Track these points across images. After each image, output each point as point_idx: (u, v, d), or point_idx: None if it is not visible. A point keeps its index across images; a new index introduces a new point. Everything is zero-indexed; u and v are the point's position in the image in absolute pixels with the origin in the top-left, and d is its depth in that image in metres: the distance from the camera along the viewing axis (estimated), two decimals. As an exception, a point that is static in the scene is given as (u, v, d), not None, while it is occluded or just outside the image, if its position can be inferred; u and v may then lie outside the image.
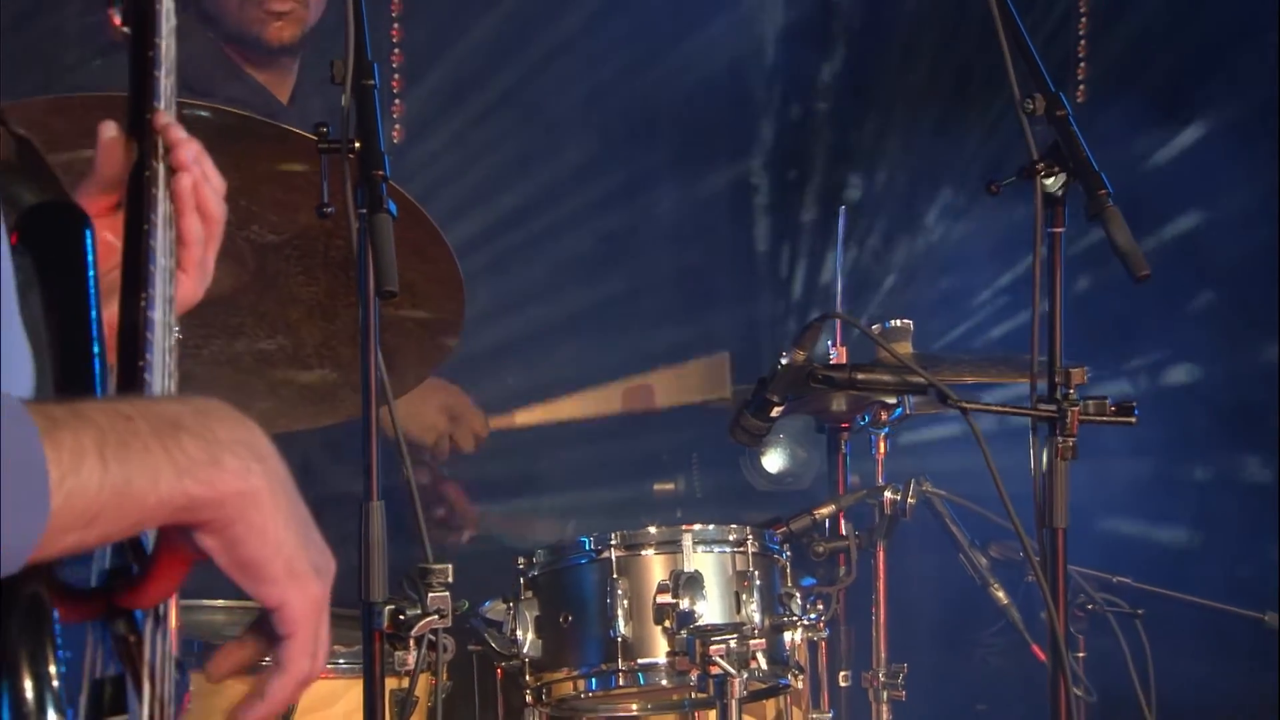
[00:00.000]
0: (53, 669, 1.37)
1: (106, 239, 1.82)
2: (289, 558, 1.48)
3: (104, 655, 1.49)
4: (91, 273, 1.58)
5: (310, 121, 2.71)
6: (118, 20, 1.79)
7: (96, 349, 1.56)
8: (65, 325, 1.55)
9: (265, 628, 1.53)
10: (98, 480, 1.35)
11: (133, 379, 1.62)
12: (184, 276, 1.95)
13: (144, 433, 1.39)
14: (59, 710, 1.37)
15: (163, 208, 1.74)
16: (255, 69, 4.11)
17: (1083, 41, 5.71)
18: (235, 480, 1.42)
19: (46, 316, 1.54)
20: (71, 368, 1.53)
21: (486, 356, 4.70)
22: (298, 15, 4.05)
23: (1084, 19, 5.70)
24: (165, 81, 1.79)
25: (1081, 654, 3.54)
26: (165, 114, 1.77)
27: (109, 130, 1.85)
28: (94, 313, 1.56)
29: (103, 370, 1.55)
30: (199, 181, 1.89)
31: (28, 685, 1.36)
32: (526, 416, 4.41)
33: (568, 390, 4.45)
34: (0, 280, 1.46)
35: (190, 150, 1.86)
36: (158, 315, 1.67)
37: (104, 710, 1.46)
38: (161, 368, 1.66)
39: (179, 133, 1.83)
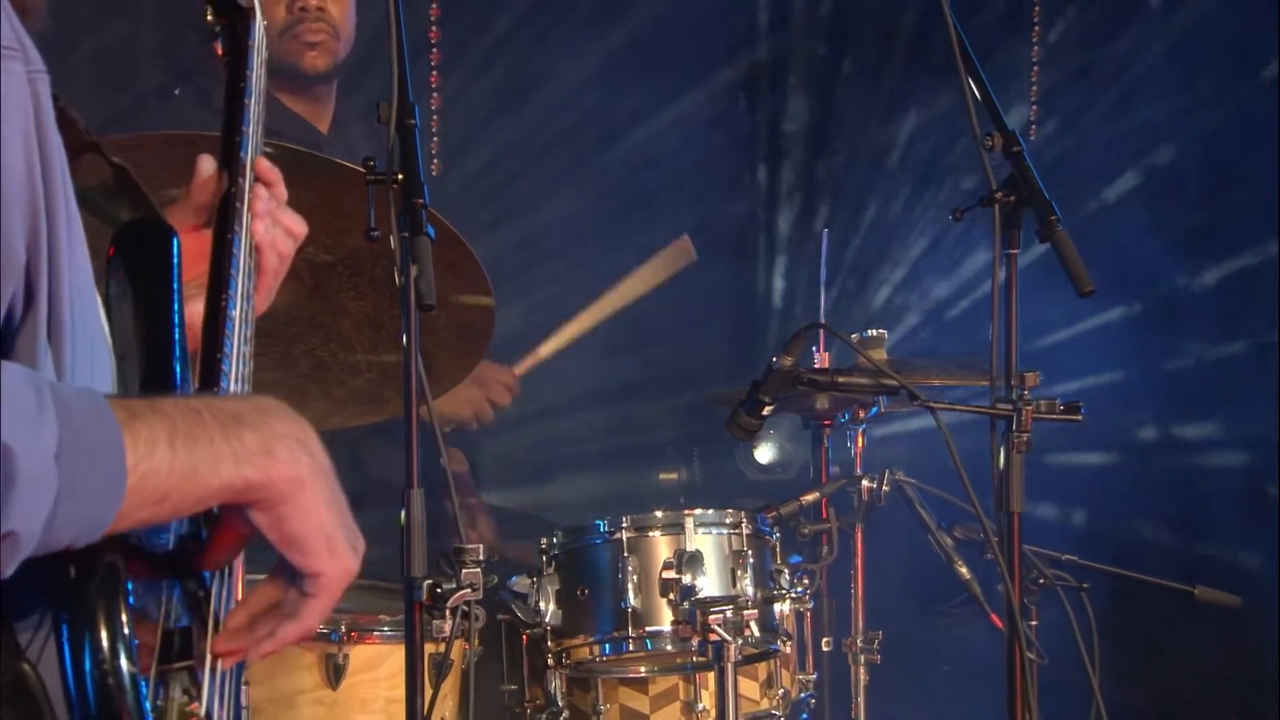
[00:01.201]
0: (125, 621, 1.38)
1: (191, 249, 1.83)
2: (329, 535, 1.49)
3: (175, 609, 1.51)
4: (176, 279, 1.58)
5: (350, 148, 2.71)
6: (220, 50, 1.80)
7: (178, 349, 1.56)
8: (151, 326, 1.56)
9: (283, 576, 1.54)
10: (168, 465, 1.36)
11: (212, 367, 1.65)
12: (255, 297, 1.96)
13: (210, 426, 1.40)
14: (129, 656, 1.38)
15: (246, 222, 1.76)
16: (293, 99, 4.08)
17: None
18: (285, 468, 1.44)
19: (135, 320, 1.55)
20: (156, 363, 1.55)
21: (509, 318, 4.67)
22: (330, 45, 4.03)
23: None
24: (255, 108, 1.80)
25: (1034, 622, 3.54)
26: (264, 161, 1.82)
27: (206, 165, 1.86)
28: (177, 316, 1.56)
29: (183, 364, 1.56)
30: (277, 212, 1.91)
31: (104, 635, 1.38)
32: (548, 348, 4.32)
33: (569, 315, 4.35)
34: (81, 288, 1.46)
35: (268, 201, 1.88)
36: (236, 313, 1.71)
37: (172, 657, 1.48)
38: (237, 357, 1.69)
39: (270, 177, 1.86)
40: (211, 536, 1.49)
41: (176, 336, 1.56)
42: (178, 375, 1.55)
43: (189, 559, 1.51)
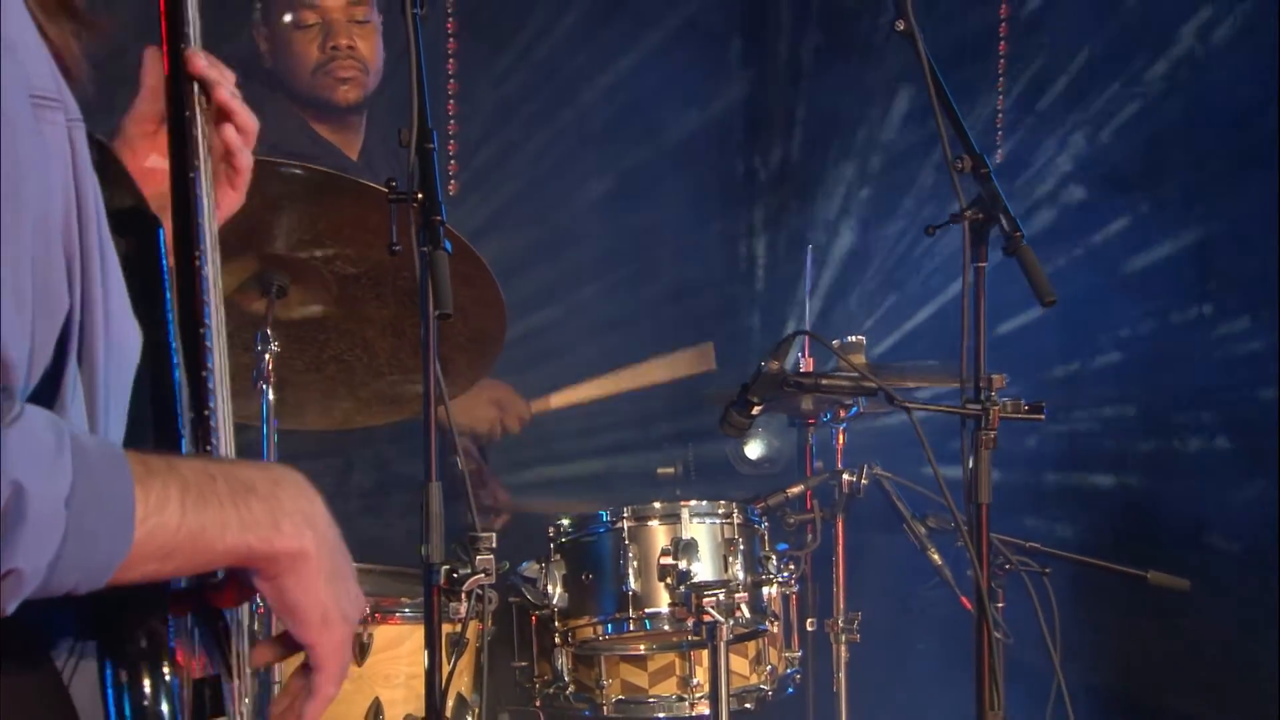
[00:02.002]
0: (167, 673, 1.36)
1: (155, 162, 1.79)
2: (325, 609, 1.47)
3: (201, 655, 1.48)
4: (164, 262, 1.55)
5: (377, 174, 2.71)
6: None
7: (171, 327, 1.53)
8: (144, 302, 1.52)
9: (290, 639, 1.52)
10: (176, 522, 1.34)
11: (191, 292, 1.58)
12: (230, 190, 1.87)
13: (221, 491, 1.38)
14: (171, 704, 1.36)
15: (203, 151, 1.66)
16: (325, 128, 4.07)
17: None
18: (289, 542, 1.42)
19: (132, 301, 1.51)
20: (150, 339, 1.50)
21: (529, 357, 4.68)
22: (360, 80, 4.01)
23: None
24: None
25: (1001, 604, 3.53)
26: (198, 53, 1.69)
27: (154, 59, 1.74)
28: (167, 294, 1.53)
29: (176, 333, 1.53)
30: (230, 100, 1.79)
31: (147, 683, 1.36)
32: (560, 399, 4.38)
33: (589, 377, 4.42)
34: (108, 267, 1.43)
35: (219, 74, 1.76)
36: (209, 270, 1.62)
37: (206, 712, 1.45)
38: (216, 311, 1.61)
39: (211, 65, 1.74)
40: (227, 579, 1.47)
41: (168, 308, 1.53)
42: (172, 344, 1.52)
43: (209, 595, 1.48)
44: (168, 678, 1.36)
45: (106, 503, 1.29)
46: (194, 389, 1.55)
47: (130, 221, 1.54)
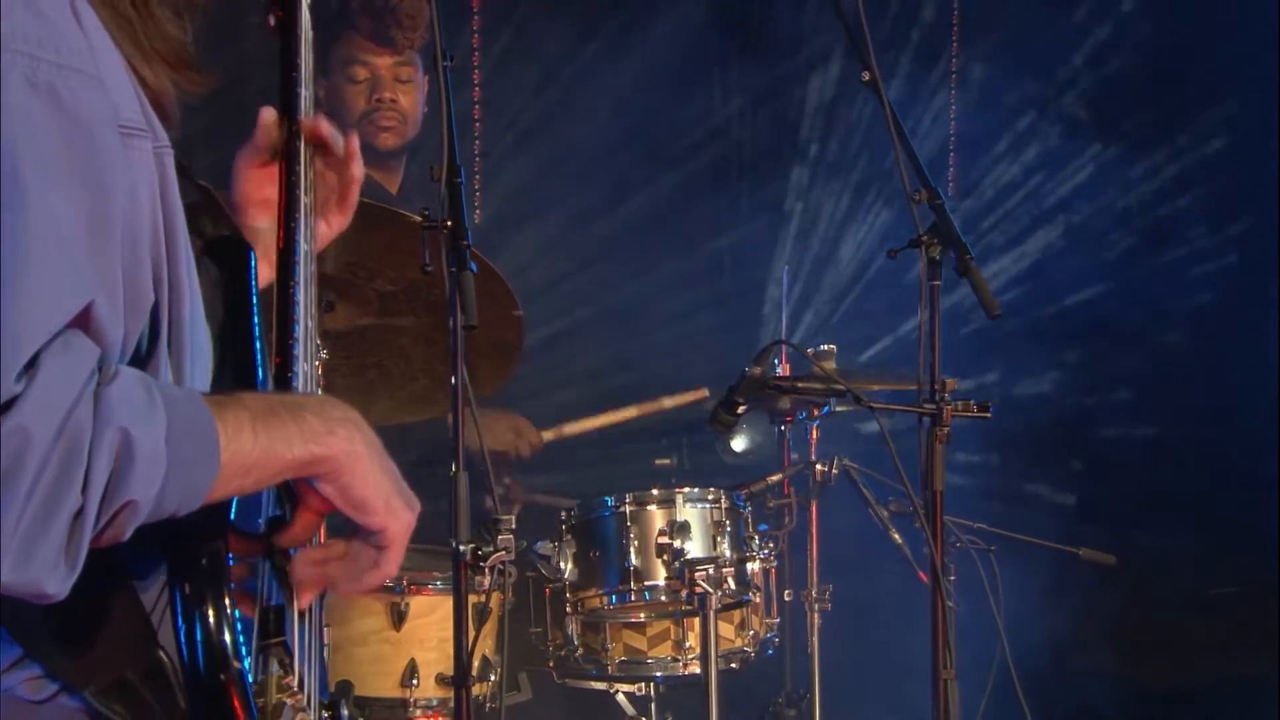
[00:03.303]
0: (228, 605, 1.37)
1: (256, 177, 1.88)
2: (386, 495, 1.47)
3: (268, 587, 1.49)
4: (254, 283, 1.58)
5: (415, 208, 2.71)
6: (272, 24, 1.73)
7: (259, 342, 1.55)
8: (235, 318, 1.56)
9: (359, 539, 1.52)
10: (251, 444, 1.36)
11: (286, 297, 1.62)
12: (338, 214, 1.98)
13: (282, 413, 1.40)
14: (233, 632, 1.37)
15: (304, 181, 1.72)
16: (369, 167, 4.07)
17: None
18: (344, 444, 1.43)
19: (224, 312, 1.56)
20: (241, 348, 1.54)
21: (544, 391, 4.68)
22: (399, 129, 4.02)
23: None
24: (305, 69, 1.76)
25: (952, 577, 3.53)
26: (321, 120, 1.79)
27: (268, 114, 1.81)
28: (255, 311, 1.57)
29: (262, 347, 1.55)
30: (351, 147, 1.91)
31: (210, 612, 1.36)
32: (571, 429, 4.39)
33: (596, 411, 4.44)
34: (189, 290, 1.47)
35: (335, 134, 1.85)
36: (301, 244, 1.67)
37: (269, 633, 1.47)
38: (304, 283, 1.65)
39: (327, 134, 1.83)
40: (294, 517, 1.48)
41: (255, 322, 1.56)
42: (259, 354, 1.55)
43: (276, 536, 1.49)
44: (229, 610, 1.37)
45: (196, 437, 1.32)
46: (280, 388, 1.58)
47: (227, 248, 1.58)
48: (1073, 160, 5.58)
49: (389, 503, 1.48)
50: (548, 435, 4.36)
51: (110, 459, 1.25)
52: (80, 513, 1.24)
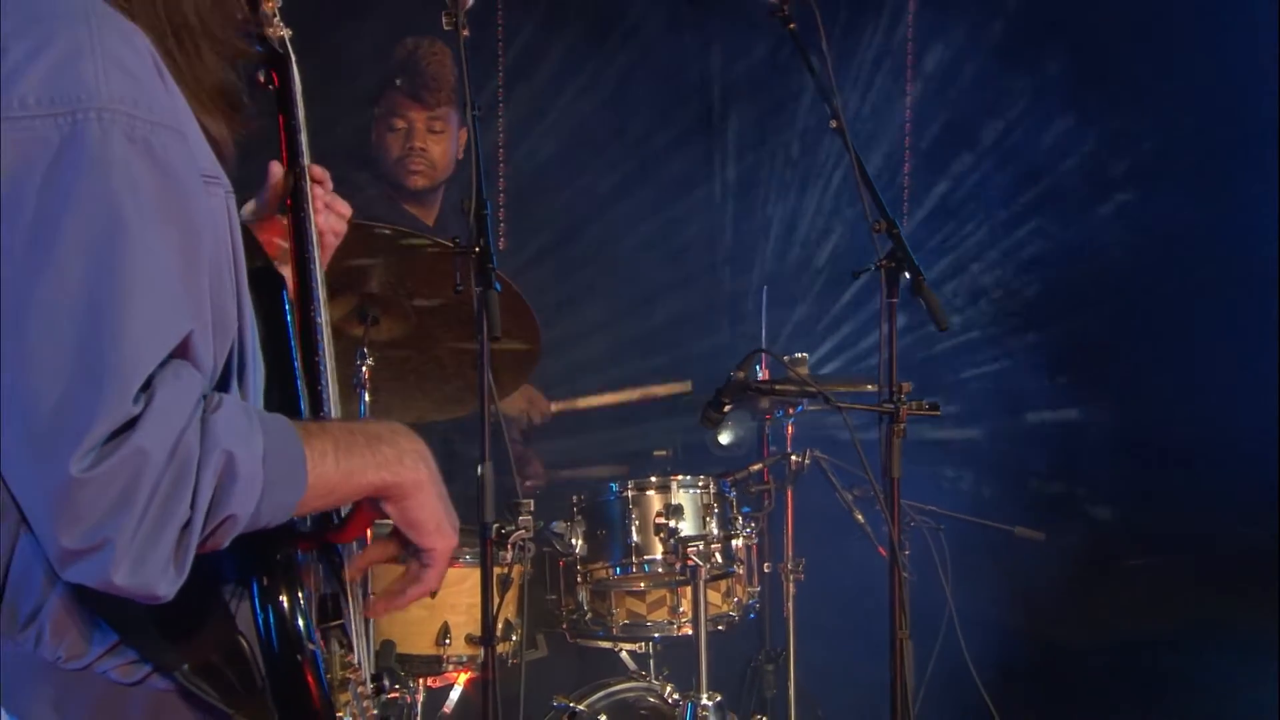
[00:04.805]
0: (301, 595, 1.37)
1: (280, 225, 1.83)
2: (439, 521, 1.47)
3: (324, 576, 1.49)
4: (288, 311, 1.58)
5: (450, 232, 2.69)
6: (262, 80, 1.71)
7: (296, 364, 1.55)
8: (274, 338, 1.55)
9: (398, 542, 1.51)
10: (332, 468, 1.35)
11: (309, 322, 1.62)
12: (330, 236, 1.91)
13: (360, 442, 1.40)
14: (305, 619, 1.37)
15: (312, 217, 1.72)
16: (408, 204, 4.07)
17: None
18: (411, 473, 1.43)
19: (268, 336, 1.54)
20: (281, 371, 1.53)
21: (561, 368, 4.66)
22: (428, 174, 3.99)
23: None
24: (300, 121, 1.74)
25: (907, 552, 3.51)
26: (315, 167, 1.76)
27: (276, 169, 1.79)
28: (291, 335, 1.56)
29: (299, 368, 1.55)
30: (331, 202, 1.85)
31: (285, 600, 1.37)
32: (575, 404, 4.39)
33: (602, 389, 4.45)
34: (245, 318, 1.45)
35: (324, 196, 1.82)
36: (317, 273, 1.67)
37: (327, 617, 1.47)
38: (322, 307, 1.63)
39: (320, 176, 1.81)
40: (348, 520, 1.47)
41: (293, 347, 1.55)
42: (297, 375, 1.54)
43: (330, 534, 1.48)
44: (301, 601, 1.37)
45: (288, 460, 1.31)
46: (312, 397, 1.57)
47: (263, 278, 1.58)
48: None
49: (440, 525, 1.47)
50: (556, 406, 4.33)
51: (215, 478, 1.24)
52: (188, 525, 1.23)
